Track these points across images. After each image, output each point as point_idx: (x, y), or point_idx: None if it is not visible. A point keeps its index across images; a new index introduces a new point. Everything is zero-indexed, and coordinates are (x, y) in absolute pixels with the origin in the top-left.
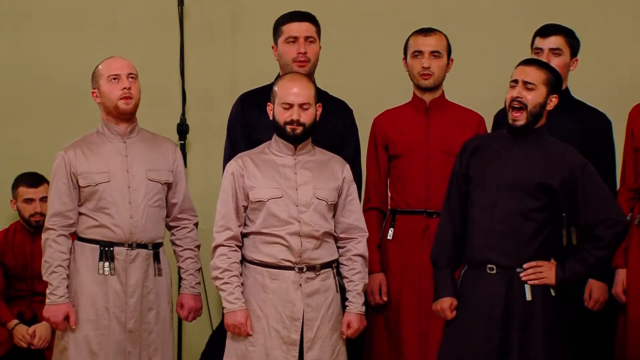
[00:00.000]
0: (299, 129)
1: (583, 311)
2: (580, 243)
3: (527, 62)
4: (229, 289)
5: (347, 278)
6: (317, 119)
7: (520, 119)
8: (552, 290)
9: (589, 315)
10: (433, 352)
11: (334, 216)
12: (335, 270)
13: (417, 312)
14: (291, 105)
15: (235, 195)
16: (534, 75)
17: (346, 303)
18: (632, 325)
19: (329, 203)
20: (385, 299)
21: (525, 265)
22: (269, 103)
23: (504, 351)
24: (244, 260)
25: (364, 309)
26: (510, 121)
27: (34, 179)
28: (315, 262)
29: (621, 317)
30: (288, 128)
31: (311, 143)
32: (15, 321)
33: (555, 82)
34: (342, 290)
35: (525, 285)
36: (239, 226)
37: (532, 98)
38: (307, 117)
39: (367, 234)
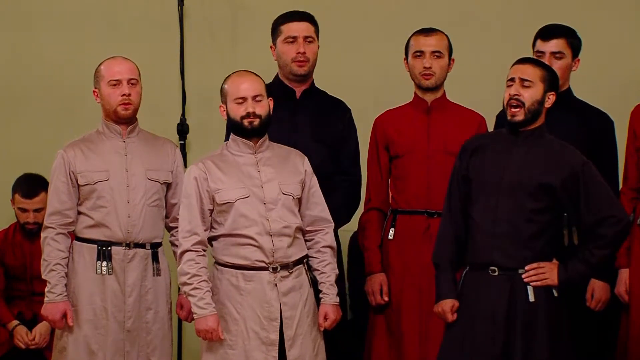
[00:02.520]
0: (256, 121)
1: (585, 311)
2: (582, 242)
3: (522, 61)
4: (199, 294)
5: (318, 270)
6: (271, 113)
7: (519, 114)
8: (554, 291)
9: (590, 314)
10: (433, 352)
11: (299, 210)
12: (306, 266)
13: (418, 312)
14: (244, 99)
15: (200, 199)
16: (530, 72)
17: (320, 295)
18: (635, 324)
19: (295, 197)
20: (386, 299)
21: (527, 267)
22: (220, 105)
23: (507, 353)
24: (215, 263)
25: (338, 299)
26: (508, 117)
27: (29, 190)
28: (288, 260)
29: (623, 317)
30: (245, 122)
31: (267, 139)
32: (16, 322)
33: (552, 79)
34: (314, 284)
35: (528, 287)
36: (205, 231)
37: (529, 95)
38: (261, 109)
39: (333, 224)
